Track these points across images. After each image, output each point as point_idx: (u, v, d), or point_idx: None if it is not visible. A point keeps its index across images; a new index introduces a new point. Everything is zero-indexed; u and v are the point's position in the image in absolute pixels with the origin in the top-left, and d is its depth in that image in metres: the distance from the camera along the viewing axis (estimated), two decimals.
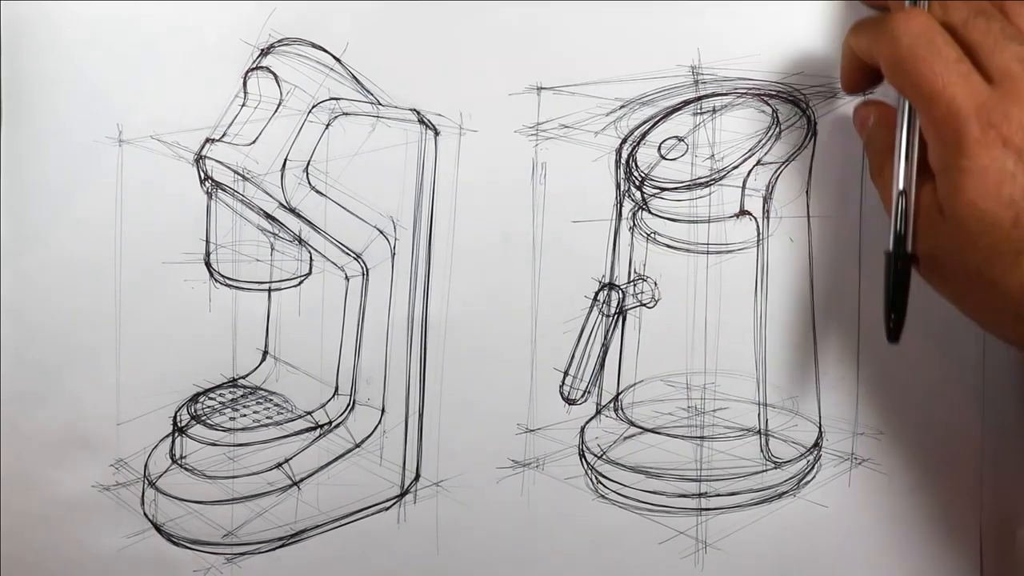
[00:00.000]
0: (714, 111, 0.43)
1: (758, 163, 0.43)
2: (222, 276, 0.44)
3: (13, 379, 0.44)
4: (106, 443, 0.44)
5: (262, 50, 0.43)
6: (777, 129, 0.43)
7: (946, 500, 0.44)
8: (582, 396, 0.44)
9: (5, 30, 0.43)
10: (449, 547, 0.44)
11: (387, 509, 0.44)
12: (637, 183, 0.44)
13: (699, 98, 0.43)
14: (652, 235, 0.44)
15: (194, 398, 0.44)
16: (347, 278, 0.44)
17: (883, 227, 0.43)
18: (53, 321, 0.43)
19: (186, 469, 0.44)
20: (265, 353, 0.44)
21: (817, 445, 0.44)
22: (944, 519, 0.44)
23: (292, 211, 0.43)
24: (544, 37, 0.43)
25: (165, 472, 0.44)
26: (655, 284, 0.44)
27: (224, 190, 0.43)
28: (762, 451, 0.44)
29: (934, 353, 0.44)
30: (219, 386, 0.44)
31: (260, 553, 0.44)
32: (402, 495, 0.44)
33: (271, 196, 0.43)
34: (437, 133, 0.43)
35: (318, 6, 0.43)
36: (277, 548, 0.44)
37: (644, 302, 0.44)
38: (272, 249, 0.44)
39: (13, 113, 0.43)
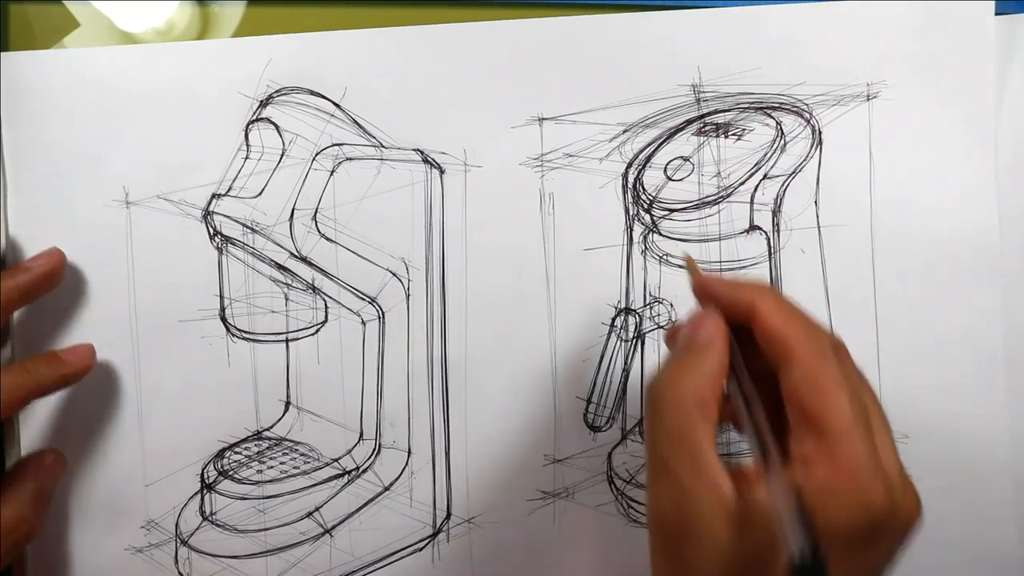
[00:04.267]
0: (717, 128, 0.43)
1: (765, 177, 0.43)
2: (239, 330, 0.44)
3: (36, 448, 0.43)
4: (135, 505, 0.44)
5: (261, 101, 0.43)
6: (782, 141, 0.43)
7: (977, 500, 0.44)
8: (606, 422, 0.44)
9: (5, 100, 0.42)
10: None
11: (421, 549, 0.44)
12: (646, 206, 0.44)
13: (701, 116, 0.43)
14: (664, 257, 0.44)
15: (220, 454, 0.44)
16: (363, 323, 0.44)
17: (894, 232, 0.43)
18: (72, 388, 0.43)
19: (217, 525, 0.44)
20: (287, 404, 0.44)
21: None
22: (977, 519, 0.44)
23: (303, 260, 0.43)
24: (541, 68, 0.43)
25: (196, 529, 0.44)
26: (671, 306, 0.44)
27: (234, 244, 0.43)
28: None
29: (954, 352, 0.44)
30: (244, 440, 0.44)
31: None
32: (435, 534, 0.44)
33: (281, 246, 0.43)
34: (442, 171, 0.43)
35: (313, 53, 0.43)
36: None
37: (661, 324, 0.44)
38: (286, 299, 0.44)
39: (18, 184, 0.43)
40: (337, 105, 0.43)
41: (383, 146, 0.43)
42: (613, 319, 0.44)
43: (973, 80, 0.43)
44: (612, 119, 0.43)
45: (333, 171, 0.43)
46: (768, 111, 0.43)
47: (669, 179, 0.44)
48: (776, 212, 0.44)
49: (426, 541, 0.44)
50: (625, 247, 0.44)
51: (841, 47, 0.43)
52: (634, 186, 0.44)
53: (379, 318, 0.44)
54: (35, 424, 0.43)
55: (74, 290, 0.43)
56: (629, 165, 0.44)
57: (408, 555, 0.44)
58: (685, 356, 0.31)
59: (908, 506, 0.30)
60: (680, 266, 0.44)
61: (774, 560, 0.28)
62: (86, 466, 0.43)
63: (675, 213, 0.44)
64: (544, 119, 0.43)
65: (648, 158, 0.43)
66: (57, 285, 0.42)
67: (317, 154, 0.43)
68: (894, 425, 0.43)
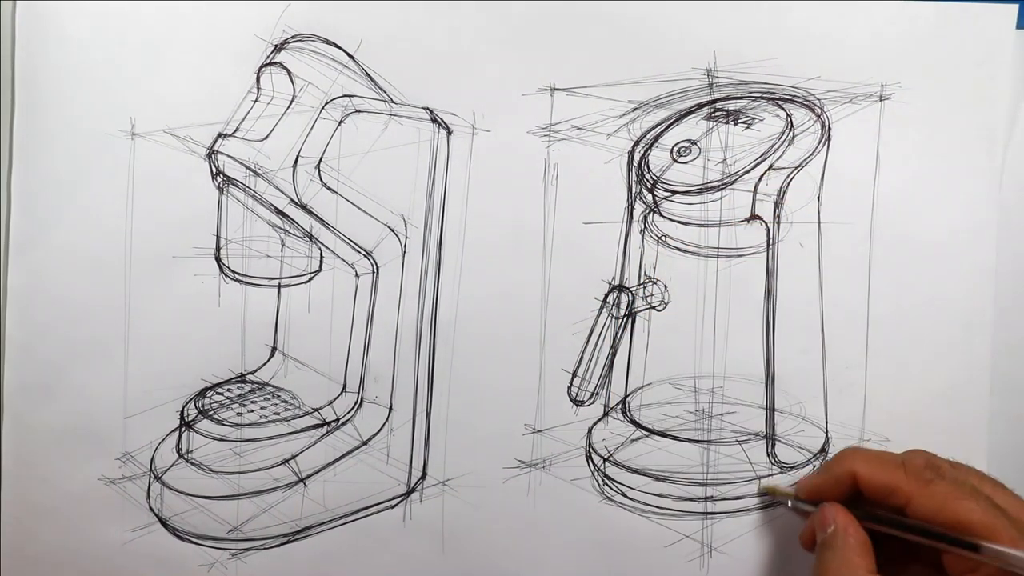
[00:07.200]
0: (727, 114, 0.43)
1: (770, 168, 0.43)
2: (232, 271, 0.44)
3: (20, 371, 0.44)
4: (113, 436, 0.44)
5: (276, 46, 0.43)
6: (791, 134, 0.43)
7: None
8: (590, 398, 0.44)
9: (20, 24, 0.42)
10: (455, 546, 0.44)
11: (393, 507, 0.44)
12: (649, 186, 0.44)
13: (713, 101, 0.43)
14: (663, 238, 0.44)
15: (202, 393, 0.44)
16: (357, 276, 0.44)
17: (893, 235, 0.43)
18: (61, 314, 0.43)
19: (192, 464, 0.44)
20: (274, 349, 0.44)
21: (824, 450, 0.44)
22: None
23: (303, 207, 0.43)
24: (558, 38, 0.43)
25: (171, 466, 0.44)
26: (665, 287, 0.44)
27: (236, 185, 0.43)
28: (768, 456, 0.44)
29: (941, 359, 0.44)
30: (227, 381, 0.44)
31: (265, 549, 0.44)
32: (408, 493, 0.44)
33: (282, 192, 0.43)
34: (450, 132, 0.43)
35: (332, 4, 0.43)
36: (282, 544, 0.44)
37: (653, 305, 0.44)
38: (283, 245, 0.44)
39: (26, 105, 0.43)
40: (351, 56, 0.43)
41: (393, 101, 0.43)
42: (606, 295, 0.44)
43: (987, 91, 0.43)
44: (623, 96, 0.43)
45: (341, 122, 0.43)
46: (780, 102, 0.43)
47: (675, 161, 0.44)
48: (778, 204, 0.44)
49: (399, 499, 0.44)
50: (624, 224, 0.44)
51: (859, 45, 0.43)
52: (639, 165, 0.44)
53: (373, 272, 0.44)
54: (21, 347, 0.43)
55: (73, 216, 0.43)
56: (636, 143, 0.43)
57: (380, 511, 0.44)
58: (829, 552, 0.37)
59: None
60: (693, 253, 0.44)
61: None
62: (69, 392, 0.43)
63: (677, 195, 0.44)
64: (556, 89, 0.43)
65: (656, 138, 0.43)
66: None
67: (327, 103, 0.43)
68: (876, 427, 0.44)
